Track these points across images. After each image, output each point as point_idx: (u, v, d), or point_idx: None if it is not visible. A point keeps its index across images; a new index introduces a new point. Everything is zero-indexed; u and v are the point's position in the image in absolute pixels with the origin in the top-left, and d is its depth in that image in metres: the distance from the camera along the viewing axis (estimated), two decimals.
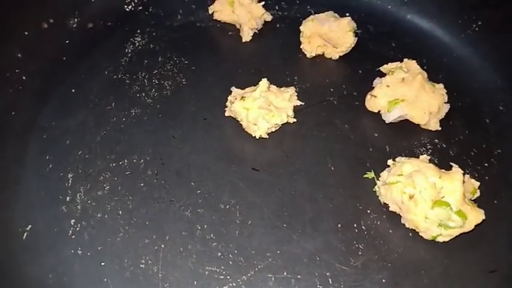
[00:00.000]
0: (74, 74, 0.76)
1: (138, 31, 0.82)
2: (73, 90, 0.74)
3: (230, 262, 0.56)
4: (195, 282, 0.55)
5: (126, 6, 0.86)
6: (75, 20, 0.81)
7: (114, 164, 0.65)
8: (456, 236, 0.56)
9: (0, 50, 0.71)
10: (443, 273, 0.55)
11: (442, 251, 0.57)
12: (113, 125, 0.70)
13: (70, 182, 0.64)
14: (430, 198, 0.55)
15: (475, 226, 0.55)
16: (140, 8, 0.86)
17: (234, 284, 0.55)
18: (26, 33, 0.75)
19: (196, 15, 0.85)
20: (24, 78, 0.73)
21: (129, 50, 0.80)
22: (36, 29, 0.77)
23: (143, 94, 0.73)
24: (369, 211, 0.60)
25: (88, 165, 0.65)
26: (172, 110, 0.71)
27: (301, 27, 0.76)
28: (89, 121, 0.70)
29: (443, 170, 0.58)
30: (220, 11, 0.83)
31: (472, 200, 0.59)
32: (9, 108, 0.69)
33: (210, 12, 0.84)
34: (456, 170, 0.57)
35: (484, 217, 0.55)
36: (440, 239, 0.56)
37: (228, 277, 0.55)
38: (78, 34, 0.80)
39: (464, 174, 0.57)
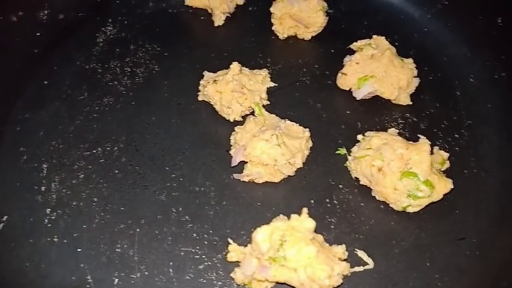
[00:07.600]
0: (46, 66, 0.75)
1: (110, 20, 0.82)
2: (45, 82, 0.73)
3: (205, 242, 0.57)
4: (171, 263, 0.56)
5: None
6: (46, 11, 0.80)
7: (88, 153, 0.65)
8: (426, 206, 0.57)
9: None
10: (414, 243, 0.57)
11: (413, 222, 0.58)
12: (86, 114, 0.69)
13: (45, 172, 0.64)
14: (398, 170, 0.56)
15: (444, 195, 0.56)
16: None
17: (209, 263, 0.56)
18: None
19: (168, 2, 0.84)
20: None
21: (101, 40, 0.79)
22: (5, 22, 0.76)
23: (116, 82, 0.73)
24: (340, 186, 0.61)
25: (62, 155, 0.65)
26: (145, 97, 0.71)
27: (271, 9, 0.76)
28: (62, 112, 0.70)
29: (411, 142, 0.58)
30: None
31: (442, 171, 0.60)
32: None
33: None
34: (423, 141, 0.58)
35: (452, 186, 0.56)
36: (410, 210, 0.57)
37: (204, 256, 0.56)
38: (49, 26, 0.79)
39: (432, 145, 0.58)
